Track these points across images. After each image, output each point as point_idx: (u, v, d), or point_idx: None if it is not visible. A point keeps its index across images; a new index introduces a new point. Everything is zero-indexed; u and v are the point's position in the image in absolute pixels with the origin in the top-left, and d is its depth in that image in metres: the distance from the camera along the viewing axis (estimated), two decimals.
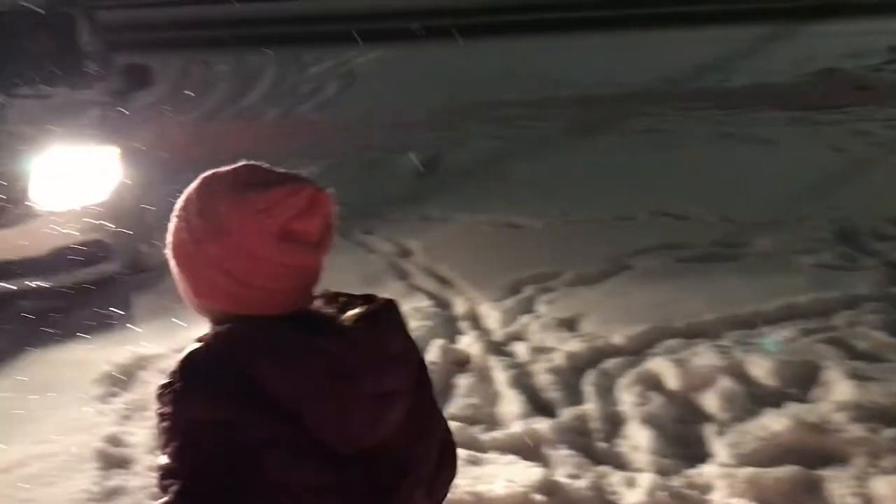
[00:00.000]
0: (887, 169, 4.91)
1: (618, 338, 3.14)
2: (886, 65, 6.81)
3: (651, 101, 6.76)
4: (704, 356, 2.92)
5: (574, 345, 3.09)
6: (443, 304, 3.56)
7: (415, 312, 3.41)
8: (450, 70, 7.96)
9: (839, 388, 2.67)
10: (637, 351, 3.07)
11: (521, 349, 3.13)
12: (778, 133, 5.73)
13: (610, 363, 2.98)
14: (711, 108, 6.46)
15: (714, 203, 4.49)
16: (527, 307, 3.50)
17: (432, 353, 3.04)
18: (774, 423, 2.52)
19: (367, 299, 1.05)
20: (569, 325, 3.28)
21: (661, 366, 2.91)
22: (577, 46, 8.60)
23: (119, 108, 4.14)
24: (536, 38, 9.13)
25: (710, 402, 2.70)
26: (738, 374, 2.82)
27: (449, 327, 3.36)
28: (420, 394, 1.04)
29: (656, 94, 6.84)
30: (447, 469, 1.10)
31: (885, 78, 6.61)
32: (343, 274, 3.87)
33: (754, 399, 2.70)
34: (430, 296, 3.63)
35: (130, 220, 3.67)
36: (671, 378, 2.83)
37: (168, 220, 1.00)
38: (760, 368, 2.82)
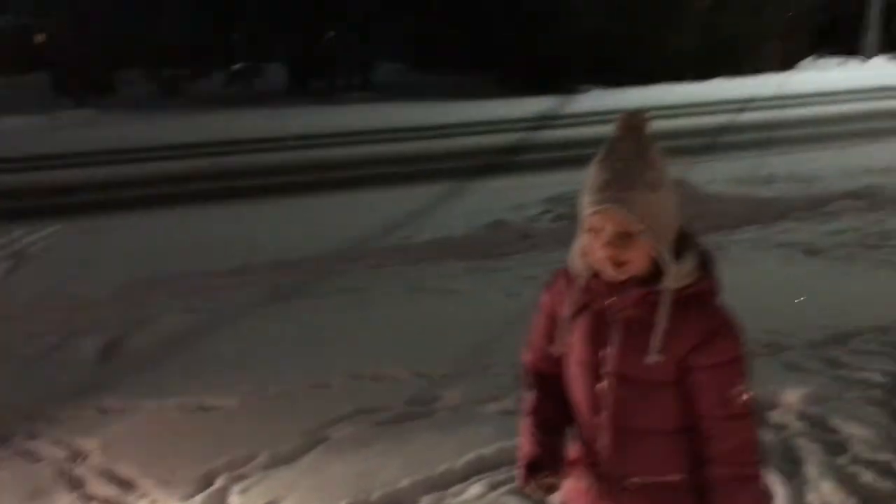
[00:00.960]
0: None
1: None
2: (542, 215, 7.68)
3: (345, 261, 6.93)
4: None
5: None
6: None
7: None
8: (136, 243, 7.63)
9: None
10: None
11: None
12: (459, 282, 6.13)
13: None
14: (400, 264, 6.77)
15: (406, 359, 4.61)
16: (220, 500, 3.25)
17: None
18: None
19: None
20: None
21: None
22: (267, 212, 8.74)
23: None
24: (226, 206, 9.15)
25: None
26: None
27: None
28: None
29: (350, 255, 7.05)
30: None
31: (542, 227, 7.45)
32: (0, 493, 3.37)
33: None
34: None
35: None
36: None
37: None
38: None
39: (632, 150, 1.62)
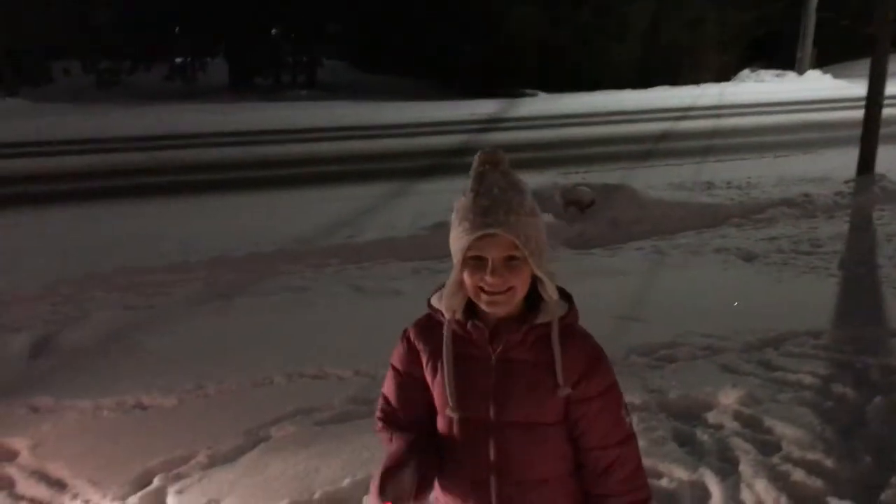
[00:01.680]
0: None
1: None
2: None
3: (287, 260, 6.85)
4: None
5: None
6: None
7: None
8: (70, 238, 7.40)
9: None
10: None
11: None
12: (403, 283, 6.11)
13: None
14: (344, 264, 6.72)
15: (348, 358, 4.57)
16: (156, 501, 3.17)
17: None
18: None
19: None
20: None
21: None
22: (208, 208, 8.57)
23: None
24: (164, 202, 8.95)
25: None
26: None
27: None
28: None
29: (292, 254, 6.96)
30: None
31: None
32: None
33: None
34: None
35: None
36: None
37: None
38: None
39: (502, 181, 1.60)
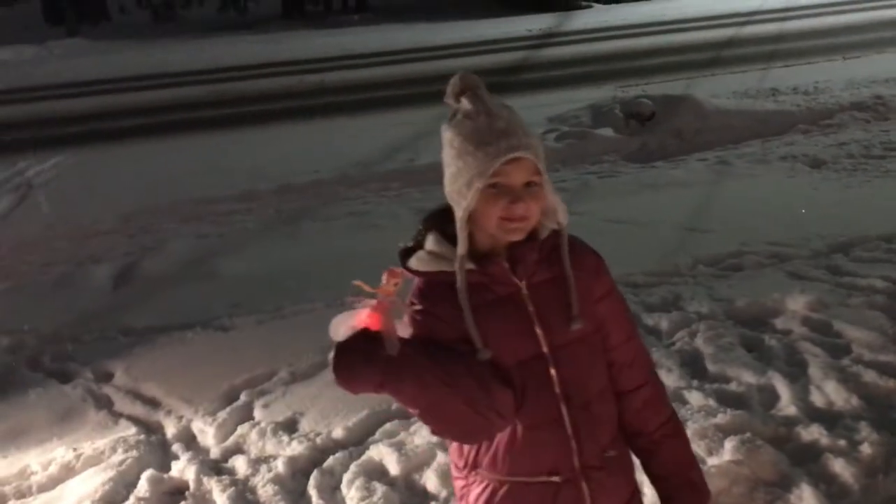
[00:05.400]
0: None
1: (338, 431, 3.13)
2: (546, 134, 7.66)
3: (349, 185, 6.96)
4: (421, 434, 2.99)
5: (295, 448, 3.03)
6: (151, 429, 3.32)
7: (120, 444, 3.15)
8: (139, 172, 7.64)
9: None
10: (359, 441, 3.08)
11: (240, 463, 3.00)
12: None
13: (332, 460, 2.95)
14: (404, 187, 6.80)
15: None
16: (244, 415, 3.37)
17: (142, 488, 2.80)
18: None
19: None
20: (288, 427, 3.21)
21: (382, 452, 2.94)
22: (269, 139, 8.70)
23: None
24: (226, 133, 9.10)
25: (430, 480, 2.77)
26: None
27: (160, 454, 3.14)
28: None
29: (353, 179, 7.07)
30: None
31: (547, 146, 7.44)
32: (32, 411, 3.50)
33: None
34: (136, 421, 3.37)
35: None
36: (392, 464, 2.87)
37: None
38: None
39: (498, 104, 1.49)
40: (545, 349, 1.53)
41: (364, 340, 1.45)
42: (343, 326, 1.47)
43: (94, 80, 13.70)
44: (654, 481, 1.71)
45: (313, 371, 3.67)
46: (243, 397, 3.49)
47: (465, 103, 1.48)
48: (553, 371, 1.53)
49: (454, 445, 1.63)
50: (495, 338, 1.50)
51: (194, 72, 13.95)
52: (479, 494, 1.59)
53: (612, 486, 1.62)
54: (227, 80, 12.89)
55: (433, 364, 1.47)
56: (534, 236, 1.53)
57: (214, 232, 6.02)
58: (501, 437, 1.55)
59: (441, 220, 1.56)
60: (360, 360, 1.46)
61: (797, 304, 3.82)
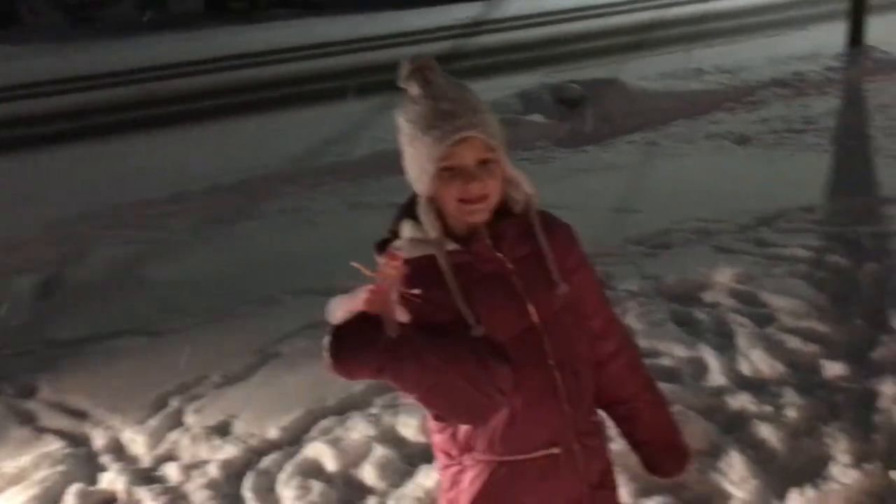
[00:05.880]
0: None
1: (273, 431, 3.07)
2: None
3: (282, 182, 6.85)
4: (357, 429, 2.97)
5: (228, 451, 2.96)
6: (78, 442, 3.21)
7: (44, 460, 3.04)
8: (62, 179, 7.39)
9: None
10: (294, 440, 3.03)
11: (172, 470, 2.92)
12: (400, 196, 6.10)
13: (267, 460, 2.90)
14: (339, 181, 6.72)
15: (353, 272, 4.64)
16: (175, 421, 3.29)
17: (69, 503, 2.70)
18: (427, 480, 2.62)
19: None
20: (221, 430, 3.14)
21: (319, 450, 2.90)
22: (196, 138, 8.51)
23: None
24: (151, 135, 8.87)
25: (368, 474, 2.74)
26: (391, 439, 2.91)
27: (88, 467, 3.03)
28: None
29: (285, 175, 6.96)
30: None
31: None
32: None
33: (408, 460, 2.79)
34: (62, 435, 3.25)
35: None
36: (329, 460, 2.83)
37: None
38: (409, 428, 2.94)
39: (450, 83, 1.48)
40: (536, 320, 1.53)
41: (363, 323, 1.41)
42: (340, 310, 1.43)
43: (9, 85, 13.19)
44: (637, 447, 1.72)
45: (246, 373, 3.60)
46: (174, 403, 3.40)
47: (413, 87, 1.49)
48: (546, 341, 1.54)
49: (446, 434, 1.59)
50: (488, 314, 1.49)
51: (115, 73, 13.54)
52: (475, 477, 1.58)
53: (599, 449, 1.65)
54: (150, 80, 12.56)
55: (432, 345, 1.45)
56: (509, 211, 1.54)
57: (143, 237, 5.86)
58: (500, 417, 1.54)
59: (415, 207, 1.55)
60: (360, 343, 1.42)
61: (724, 277, 3.90)
